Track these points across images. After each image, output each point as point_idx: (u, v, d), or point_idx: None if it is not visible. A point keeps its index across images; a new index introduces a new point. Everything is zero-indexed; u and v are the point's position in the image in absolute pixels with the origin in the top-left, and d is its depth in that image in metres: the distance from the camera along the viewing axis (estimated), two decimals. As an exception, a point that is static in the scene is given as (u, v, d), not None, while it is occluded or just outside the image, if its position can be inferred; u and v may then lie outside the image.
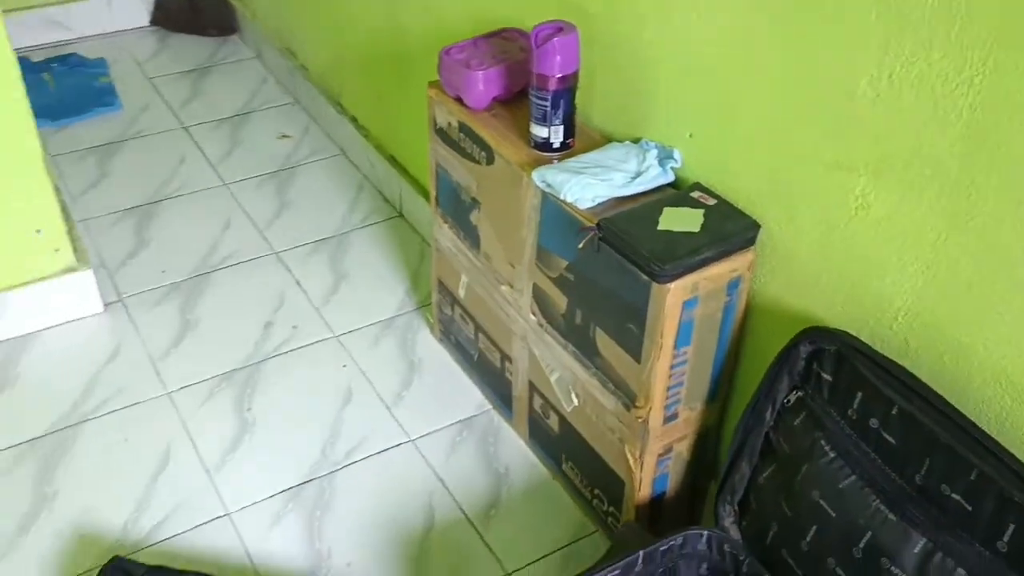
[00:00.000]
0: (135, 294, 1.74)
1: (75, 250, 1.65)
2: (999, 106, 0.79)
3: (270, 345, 1.64)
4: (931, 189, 0.87)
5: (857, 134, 0.91)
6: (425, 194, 1.81)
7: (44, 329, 1.65)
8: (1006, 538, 0.86)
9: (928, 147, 0.85)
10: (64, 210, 1.66)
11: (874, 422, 0.96)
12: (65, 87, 2.27)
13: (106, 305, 1.70)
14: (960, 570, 0.89)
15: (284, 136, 2.19)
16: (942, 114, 0.83)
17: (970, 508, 0.88)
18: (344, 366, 1.61)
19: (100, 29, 2.54)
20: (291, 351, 1.63)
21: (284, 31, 2.31)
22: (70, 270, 1.63)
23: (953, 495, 0.89)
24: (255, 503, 1.38)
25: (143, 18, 2.58)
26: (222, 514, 1.36)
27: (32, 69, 2.29)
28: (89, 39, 2.52)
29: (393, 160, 1.95)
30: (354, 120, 2.07)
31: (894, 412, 0.93)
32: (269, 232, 1.90)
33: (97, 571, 1.22)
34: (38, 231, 1.57)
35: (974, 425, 0.88)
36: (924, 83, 0.84)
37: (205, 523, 1.35)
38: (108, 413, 1.51)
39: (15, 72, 1.44)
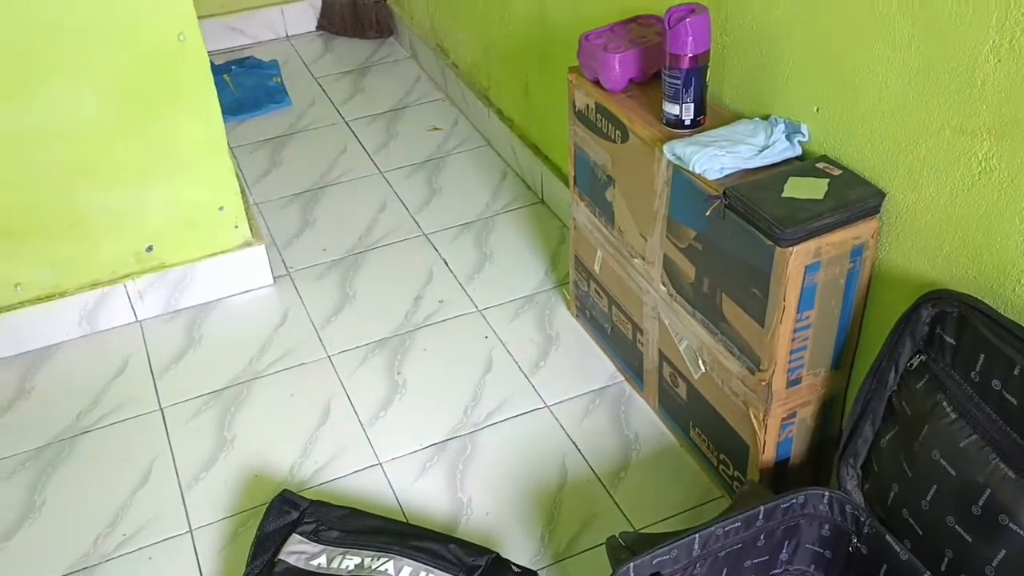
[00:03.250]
0: (301, 269, 1.92)
1: (251, 227, 1.84)
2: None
3: (419, 316, 1.78)
4: (1054, 150, 0.89)
5: (980, 100, 0.94)
6: (565, 180, 1.90)
7: (224, 297, 1.85)
8: None
9: (1050, 108, 0.87)
10: (242, 191, 1.85)
11: (996, 383, 0.98)
12: (243, 86, 2.51)
13: (275, 278, 1.89)
14: (1081, 527, 0.90)
15: (434, 128, 2.34)
16: (1064, 75, 0.85)
17: (1092, 466, 0.89)
18: (486, 337, 1.73)
19: (273, 34, 2.80)
20: (438, 323, 1.77)
21: (437, 31, 2.47)
22: (247, 244, 1.83)
23: (1075, 453, 0.90)
24: (403, 455, 1.51)
25: (311, 24, 2.82)
26: (374, 463, 1.50)
27: (215, 71, 2.53)
28: (264, 43, 2.78)
29: (535, 149, 2.05)
30: (499, 112, 2.19)
31: (1016, 373, 0.95)
32: (419, 216, 2.05)
33: (268, 503, 1.37)
34: (221, 208, 1.77)
35: (1097, 383, 0.89)
36: (1045, 45, 0.86)
37: (359, 470, 1.49)
38: (277, 372, 1.68)
39: (207, 72, 1.64)
